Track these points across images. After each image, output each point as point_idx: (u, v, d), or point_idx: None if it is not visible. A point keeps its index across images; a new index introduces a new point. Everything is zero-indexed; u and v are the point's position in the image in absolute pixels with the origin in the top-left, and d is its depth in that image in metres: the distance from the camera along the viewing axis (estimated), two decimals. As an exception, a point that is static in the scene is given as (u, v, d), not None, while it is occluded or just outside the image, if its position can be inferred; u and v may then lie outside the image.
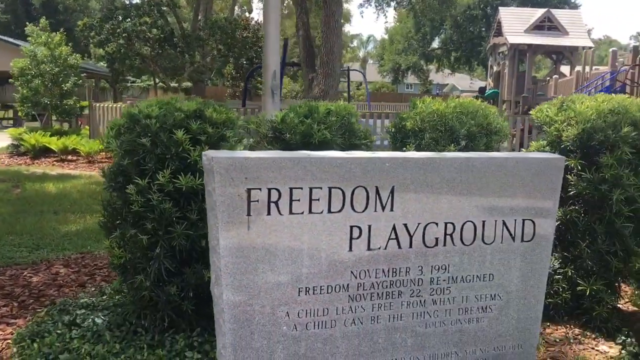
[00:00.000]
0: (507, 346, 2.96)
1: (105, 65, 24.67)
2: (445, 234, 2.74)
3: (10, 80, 14.69)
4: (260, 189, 2.39)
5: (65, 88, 14.10)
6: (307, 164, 2.46)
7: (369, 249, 2.61)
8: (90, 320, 3.36)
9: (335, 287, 2.58)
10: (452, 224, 2.74)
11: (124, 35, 21.94)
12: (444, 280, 2.77)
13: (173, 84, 28.02)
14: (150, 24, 23.12)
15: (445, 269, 2.77)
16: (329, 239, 2.53)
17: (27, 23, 16.14)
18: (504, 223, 2.83)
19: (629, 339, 3.42)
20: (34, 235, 5.92)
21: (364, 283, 2.63)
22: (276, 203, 2.42)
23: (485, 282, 2.85)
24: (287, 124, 3.43)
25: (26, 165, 12.11)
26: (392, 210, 2.62)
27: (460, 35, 45.17)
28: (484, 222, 2.79)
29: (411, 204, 2.64)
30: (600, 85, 18.20)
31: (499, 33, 26.33)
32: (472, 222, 2.77)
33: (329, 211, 2.51)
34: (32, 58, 13.85)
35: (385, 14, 69.43)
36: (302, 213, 2.47)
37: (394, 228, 2.64)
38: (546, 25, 24.86)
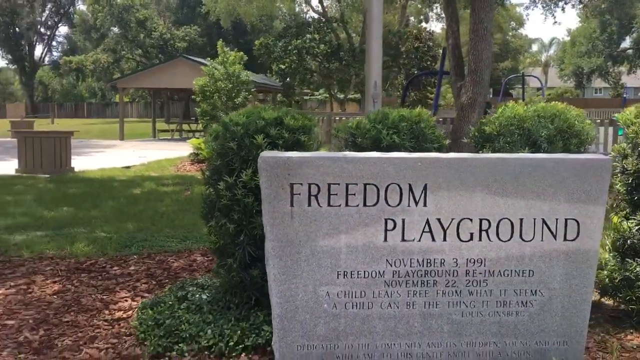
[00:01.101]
0: (550, 342, 3.04)
1: (278, 80, 26.67)
2: (481, 230, 2.93)
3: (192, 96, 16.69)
4: (301, 184, 2.82)
5: (237, 102, 15.69)
6: (343, 163, 2.84)
7: (403, 239, 2.90)
8: (197, 296, 4.02)
9: (371, 273, 2.91)
10: (488, 220, 2.92)
11: (294, 52, 23.64)
12: (480, 273, 2.96)
13: (344, 96, 29.25)
14: (319, 39, 24.55)
15: (482, 262, 2.95)
16: (365, 229, 2.88)
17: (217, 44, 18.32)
18: (543, 221, 2.94)
19: None
20: (186, 229, 6.90)
21: (399, 271, 2.92)
22: (316, 196, 2.84)
23: (525, 278, 2.98)
24: (360, 130, 3.81)
25: (201, 171, 13.73)
26: (425, 205, 2.89)
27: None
28: (521, 219, 2.93)
29: (444, 200, 2.89)
30: None
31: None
32: (508, 219, 2.93)
33: (364, 205, 2.86)
34: (211, 76, 15.63)
35: (553, 15, 64.92)
36: (340, 206, 2.85)
37: (427, 222, 2.90)
38: None
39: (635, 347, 3.56)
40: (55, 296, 4.47)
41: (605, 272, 3.96)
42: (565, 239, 2.96)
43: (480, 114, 11.68)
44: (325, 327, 2.93)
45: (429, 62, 26.82)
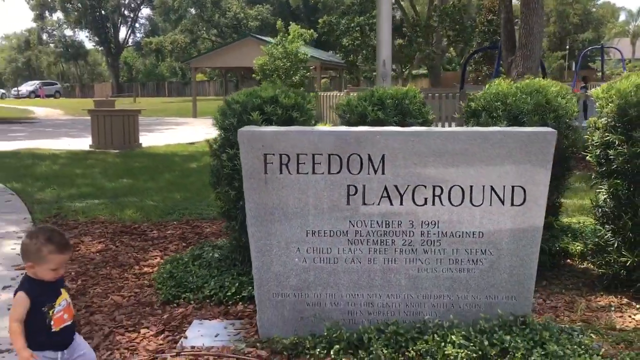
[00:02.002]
0: (499, 296, 3.37)
1: (341, 57, 26.94)
2: (434, 195, 3.28)
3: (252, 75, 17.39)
4: (274, 154, 3.27)
5: (295, 80, 16.22)
6: (311, 136, 3.26)
7: (364, 203, 3.30)
8: (210, 254, 4.58)
9: (336, 232, 3.33)
10: (440, 187, 3.27)
11: (357, 29, 23.83)
12: (434, 234, 3.32)
13: (407, 72, 29.19)
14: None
15: (435, 224, 3.31)
16: (330, 194, 3.29)
17: (291, 23, 18.91)
18: (492, 188, 3.25)
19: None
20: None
21: (360, 231, 3.33)
22: (287, 165, 3.27)
23: (475, 239, 3.31)
24: (349, 106, 4.20)
25: (209, 145, 14.39)
26: (383, 173, 3.27)
27: None
28: (471, 186, 3.26)
29: (401, 169, 3.25)
30: None
31: None
32: (459, 186, 3.26)
33: (329, 172, 3.27)
34: (270, 55, 16.23)
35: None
36: (307, 173, 3.28)
37: (385, 188, 3.28)
38: None
39: (599, 307, 3.81)
40: (97, 254, 5.17)
41: (585, 240, 4.19)
42: (512, 204, 3.26)
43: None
44: (297, 279, 3.39)
45: (492, 36, 26.25)
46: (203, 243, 5.10)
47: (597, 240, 4.01)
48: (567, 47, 47.35)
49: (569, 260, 4.68)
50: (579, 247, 4.47)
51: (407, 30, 25.65)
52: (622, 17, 73.75)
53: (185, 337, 3.47)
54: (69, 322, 2.64)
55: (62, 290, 2.64)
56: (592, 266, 4.36)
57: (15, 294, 2.55)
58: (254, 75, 17.45)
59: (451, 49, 38.42)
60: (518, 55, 12.05)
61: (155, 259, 5.02)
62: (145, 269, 4.73)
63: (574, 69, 29.34)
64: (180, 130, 19.78)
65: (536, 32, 11.84)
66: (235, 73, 39.87)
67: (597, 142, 3.87)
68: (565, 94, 4.19)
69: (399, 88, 4.28)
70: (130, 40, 68.49)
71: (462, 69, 19.97)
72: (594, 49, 36.82)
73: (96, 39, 64.73)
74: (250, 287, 3.92)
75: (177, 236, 5.74)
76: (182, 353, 3.29)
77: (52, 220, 6.34)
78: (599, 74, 32.42)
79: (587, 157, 3.98)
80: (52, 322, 2.55)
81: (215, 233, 5.87)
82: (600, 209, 4.03)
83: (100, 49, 68.78)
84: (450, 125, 14.41)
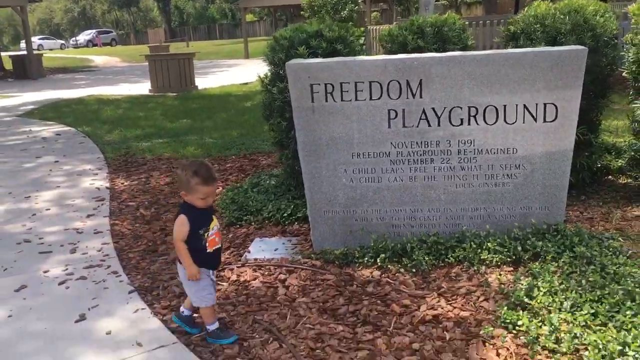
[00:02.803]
0: (533, 207, 3.63)
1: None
2: (469, 116, 3.52)
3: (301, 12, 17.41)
4: (319, 84, 3.56)
5: (343, 15, 16.18)
6: (352, 66, 3.53)
7: (404, 126, 3.58)
8: (267, 182, 4.99)
9: (379, 154, 3.64)
10: (475, 107, 3.50)
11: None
12: (470, 151, 3.57)
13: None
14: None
15: (471, 143, 3.56)
16: (372, 119, 3.58)
17: None
18: (525, 107, 3.46)
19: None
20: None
21: (401, 151, 3.62)
22: (331, 94, 3.57)
23: (509, 155, 3.55)
24: (390, 36, 4.41)
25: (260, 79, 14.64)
26: (421, 97, 3.52)
27: None
28: (505, 106, 3.47)
29: (437, 92, 3.50)
30: None
31: None
32: (494, 106, 3.48)
33: (371, 99, 3.55)
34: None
35: None
36: (351, 100, 3.57)
37: (423, 111, 3.54)
38: None
39: (634, 217, 4.01)
40: (165, 185, 5.67)
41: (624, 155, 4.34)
42: (545, 121, 3.46)
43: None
44: (345, 197, 3.74)
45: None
46: (260, 172, 5.51)
47: (633, 154, 4.16)
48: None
49: (610, 177, 4.84)
50: (619, 163, 4.61)
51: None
52: None
53: (249, 252, 3.92)
54: (219, 245, 2.90)
55: (213, 217, 2.89)
56: (631, 181, 4.52)
57: (176, 218, 2.85)
58: (302, 12, 17.48)
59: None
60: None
61: (218, 188, 5.46)
62: (210, 198, 5.19)
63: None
64: (233, 72, 20.17)
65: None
66: (284, 11, 39.63)
67: (632, 59, 3.96)
68: (604, 12, 4.25)
69: (438, 16, 4.44)
70: (179, -16, 68.53)
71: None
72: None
73: (146, -16, 65.15)
74: (304, 209, 4.29)
75: (236, 168, 6.18)
76: (247, 264, 3.73)
77: (123, 158, 6.89)
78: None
79: (624, 74, 4.08)
80: (207, 244, 2.81)
81: (271, 164, 6.27)
82: (637, 124, 4.16)
83: (150, -6, 69.31)
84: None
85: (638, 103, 4.03)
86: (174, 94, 13.46)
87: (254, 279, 3.53)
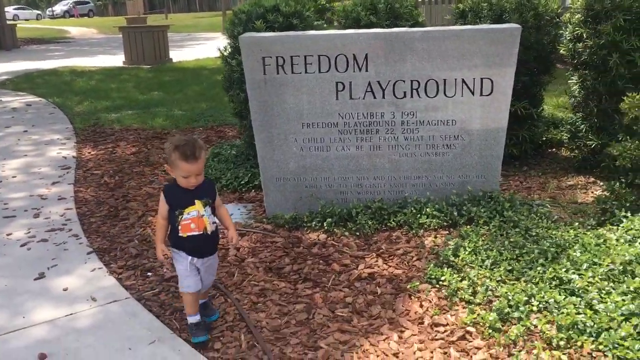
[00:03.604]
0: (470, 175, 3.87)
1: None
2: (412, 89, 3.73)
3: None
4: (271, 57, 3.74)
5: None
6: (302, 40, 3.71)
7: (351, 98, 3.78)
8: (227, 152, 5.18)
9: (327, 124, 3.84)
10: (417, 81, 3.71)
11: None
12: (413, 123, 3.79)
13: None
14: None
15: (414, 114, 3.78)
16: (321, 91, 3.78)
17: None
18: (463, 81, 3.68)
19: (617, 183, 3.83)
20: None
21: (348, 122, 3.83)
22: (282, 66, 3.75)
23: (449, 126, 3.78)
24: (344, 12, 4.59)
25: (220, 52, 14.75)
26: (367, 71, 3.71)
27: None
28: (445, 80, 3.69)
29: (382, 66, 3.70)
30: None
31: None
32: (434, 80, 3.70)
33: (320, 72, 3.74)
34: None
35: None
36: (301, 73, 3.75)
37: (369, 84, 3.74)
38: None
39: (568, 186, 4.28)
40: (131, 155, 5.83)
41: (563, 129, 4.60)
42: (482, 94, 3.69)
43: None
44: (295, 165, 3.95)
45: None
46: (223, 143, 5.69)
47: (569, 127, 4.42)
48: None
49: (554, 150, 5.11)
50: (560, 136, 4.88)
51: None
52: None
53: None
54: (196, 233, 2.66)
55: (197, 202, 2.66)
56: (570, 153, 4.79)
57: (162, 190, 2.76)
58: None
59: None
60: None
61: (182, 158, 5.63)
62: (173, 167, 5.37)
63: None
64: (210, 45, 20.10)
65: None
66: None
67: (569, 37, 4.20)
68: (546, -8, 4.46)
69: (390, -7, 4.62)
70: (158, -46, 67.29)
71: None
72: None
73: (124, -46, 63.88)
74: (260, 177, 4.50)
75: (202, 140, 6.34)
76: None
77: (91, 129, 7.02)
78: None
79: (561, 51, 4.32)
80: (179, 227, 2.65)
81: (236, 136, 6.44)
82: (573, 99, 4.41)
83: (129, -36, 67.98)
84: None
85: (574, 79, 4.27)
86: (148, 66, 13.48)
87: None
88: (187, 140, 2.64)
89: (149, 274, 3.38)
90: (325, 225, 3.76)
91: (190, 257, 2.70)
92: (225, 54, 4.78)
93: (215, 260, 2.85)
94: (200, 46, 19.80)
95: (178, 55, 15.59)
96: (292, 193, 4.01)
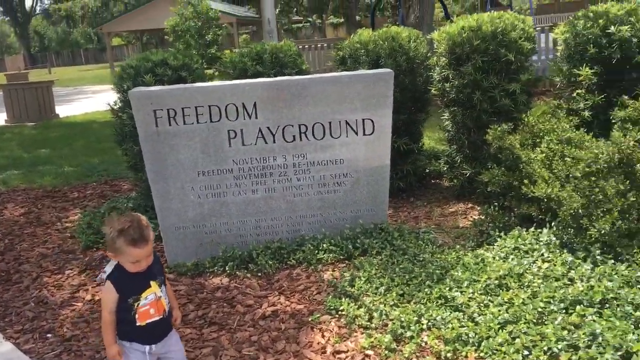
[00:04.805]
0: (362, 209, 4.13)
1: (255, 12, 27.04)
2: (300, 132, 3.96)
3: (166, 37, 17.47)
4: (162, 109, 3.84)
5: (208, 39, 16.42)
6: (192, 92, 3.85)
7: (243, 144, 3.94)
8: (124, 205, 5.16)
9: (222, 171, 3.98)
10: (305, 125, 3.95)
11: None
12: (304, 164, 4.01)
13: (320, 22, 29.70)
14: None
15: (304, 156, 4.00)
16: (214, 139, 3.92)
17: None
18: (347, 123, 3.96)
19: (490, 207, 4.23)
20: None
21: (243, 167, 3.98)
22: (174, 118, 3.86)
23: (338, 165, 4.03)
24: (232, 63, 4.79)
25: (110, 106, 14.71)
26: (256, 118, 3.91)
27: None
28: (330, 122, 3.95)
29: (270, 113, 3.90)
30: None
31: None
32: (321, 123, 3.95)
33: (211, 121, 3.89)
34: (181, 16, 16.31)
35: None
36: (193, 123, 3.88)
37: (260, 130, 3.93)
38: None
39: (450, 213, 4.65)
40: (21, 217, 5.63)
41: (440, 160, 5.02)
42: (364, 134, 3.98)
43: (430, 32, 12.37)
44: (194, 213, 4.04)
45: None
46: (118, 197, 5.65)
47: (446, 158, 4.84)
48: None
49: (436, 180, 5.52)
50: (440, 167, 5.29)
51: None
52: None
53: (104, 272, 4.08)
54: (156, 318, 2.43)
55: (153, 283, 2.44)
56: (449, 181, 5.21)
57: (104, 280, 2.48)
58: (166, 37, 17.51)
59: (366, -5, 39.02)
60: (414, 0, 12.80)
61: (76, 215, 5.53)
62: (67, 225, 5.26)
63: (487, 6, 30.57)
64: (98, 98, 19.61)
65: (429, -23, 12.58)
66: (153, 35, 39.10)
67: (438, 78, 4.64)
68: (416, 38, 4.91)
69: (275, 43, 4.89)
70: (38, 8, 65.33)
71: (370, 15, 20.64)
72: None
73: (1, 8, 61.35)
74: (159, 228, 4.52)
75: (96, 195, 6.25)
76: (102, 284, 3.90)
77: (-26, 192, 6.69)
78: (509, 10, 33.88)
79: (433, 90, 4.76)
80: (136, 316, 2.39)
81: (132, 188, 6.38)
82: (447, 133, 4.84)
83: (6, 19, 65.27)
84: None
85: (445, 115, 4.71)
86: (33, 123, 12.98)
87: (109, 296, 3.71)
88: (130, 221, 2.37)
89: (49, 335, 3.31)
90: (227, 269, 3.85)
91: (147, 347, 2.44)
92: (115, 108, 4.81)
93: (174, 334, 2.62)
94: (88, 100, 19.28)
95: (65, 110, 15.13)
96: (193, 240, 4.08)
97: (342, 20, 39.22)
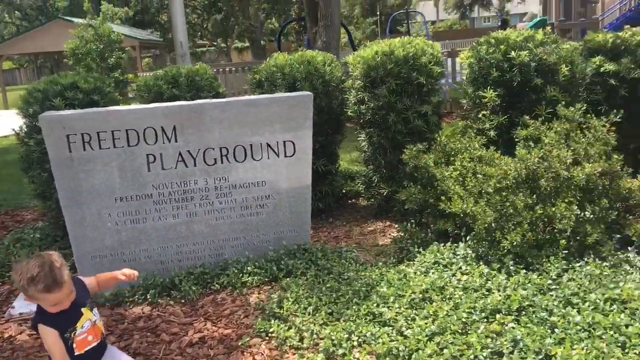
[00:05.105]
0: (285, 231, 4.15)
1: (159, 35, 26.68)
2: (221, 155, 3.93)
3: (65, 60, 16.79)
4: (75, 134, 3.69)
5: (111, 63, 15.96)
6: (106, 116, 3.73)
7: (163, 169, 3.86)
8: (31, 235, 4.88)
9: (141, 196, 3.86)
10: (226, 147, 3.93)
11: (167, 2, 23.59)
12: (226, 187, 3.98)
13: (226, 46, 29.77)
14: (195, -9, 24.92)
15: (226, 179, 3.97)
16: (131, 163, 3.81)
17: (103, 2, 18.48)
18: (268, 145, 3.98)
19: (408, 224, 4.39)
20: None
21: (163, 192, 3.89)
22: (89, 143, 3.72)
23: (260, 187, 4.04)
24: (146, 86, 4.70)
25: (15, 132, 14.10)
26: (176, 141, 3.84)
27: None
28: (251, 144, 3.96)
29: (191, 136, 3.85)
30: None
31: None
32: (242, 145, 3.94)
33: (129, 145, 3.78)
34: (81, 38, 15.75)
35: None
36: (109, 148, 3.75)
37: (180, 154, 3.86)
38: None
39: (369, 231, 4.77)
40: None
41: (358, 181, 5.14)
42: (286, 156, 4.02)
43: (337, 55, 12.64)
44: (111, 240, 3.89)
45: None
46: (24, 227, 5.33)
47: (363, 178, 4.97)
48: (378, 12, 50.62)
49: (354, 200, 5.65)
50: (357, 187, 5.43)
51: (223, 5, 26.03)
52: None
53: (13, 307, 3.83)
54: (94, 344, 2.42)
55: (84, 310, 2.40)
56: (366, 201, 5.35)
57: (34, 327, 2.38)
58: (65, 60, 16.83)
59: (274, 20, 39.50)
60: (320, 25, 13.07)
61: (-25, 249, 5.15)
62: (-34, 259, 4.88)
63: (386, 33, 31.85)
64: (-9, 124, 18.48)
65: (334, 4, 12.92)
66: (48, 58, 37.37)
67: (353, 100, 4.78)
68: (331, 62, 5.04)
69: (191, 67, 4.85)
70: None
71: (277, 41, 20.90)
72: (400, 13, 39.85)
73: None
74: (72, 258, 4.31)
75: (-4, 226, 5.86)
76: (11, 319, 3.66)
77: None
78: (406, 36, 35.42)
79: (349, 112, 4.89)
80: (74, 345, 2.34)
81: (37, 219, 6.04)
82: (364, 154, 4.98)
83: None
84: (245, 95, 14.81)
85: (362, 137, 4.85)
86: None
87: (20, 333, 3.49)
88: (39, 265, 2.23)
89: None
90: (148, 297, 3.73)
91: None
92: (21, 134, 4.56)
93: (109, 350, 2.57)
94: (-21, 126, 18.07)
95: (-47, 137, 14.10)
96: (110, 269, 3.88)
97: (247, 44, 39.42)
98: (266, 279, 3.85)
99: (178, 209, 3.95)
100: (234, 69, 14.39)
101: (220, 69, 14.52)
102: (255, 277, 3.83)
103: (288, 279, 3.77)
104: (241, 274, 3.87)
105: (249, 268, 3.89)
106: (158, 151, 3.83)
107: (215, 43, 34.81)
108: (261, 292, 3.73)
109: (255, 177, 4.02)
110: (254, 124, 3.92)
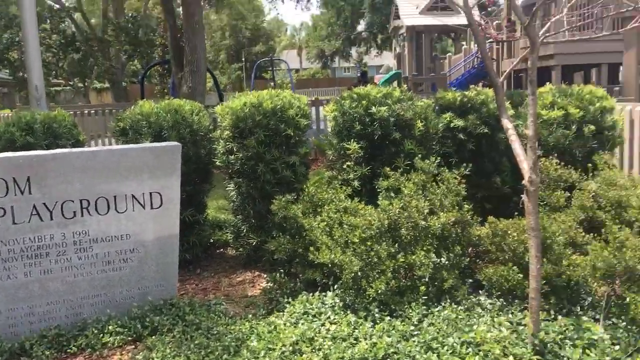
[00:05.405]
0: (150, 285, 3.99)
1: (9, 73, 24.92)
2: (82, 208, 3.72)
3: None
4: None
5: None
6: (-51, 165, 3.40)
7: (14, 223, 3.57)
8: None
9: (-12, 253, 3.53)
10: (87, 200, 3.72)
11: (22, 43, 22.20)
12: (86, 241, 3.76)
13: (83, 86, 28.55)
14: (51, 30, 23.61)
15: (86, 233, 3.76)
16: (-23, 218, 3.48)
17: None
18: (133, 196, 3.84)
19: (278, 274, 4.42)
20: None
21: (13, 248, 3.59)
22: None
23: (124, 241, 3.86)
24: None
25: None
26: (30, 194, 3.58)
27: (380, 17, 46.51)
28: (115, 196, 3.79)
29: (48, 188, 3.61)
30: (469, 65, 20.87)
31: (397, 17, 27.54)
32: (105, 197, 3.76)
33: (-26, 198, 3.46)
34: None
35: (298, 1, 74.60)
36: (-49, 201, 3.41)
37: (34, 207, 3.60)
38: (439, 5, 26.20)
39: (238, 282, 4.72)
40: None
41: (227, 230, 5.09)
42: (152, 207, 3.89)
43: (203, 102, 12.57)
44: (-49, 303, 3.50)
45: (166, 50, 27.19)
46: None
47: (232, 228, 4.94)
48: (243, 59, 51.38)
49: (222, 250, 5.57)
50: (226, 237, 5.37)
51: (81, 45, 24.92)
52: (289, 31, 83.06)
53: None
54: None
55: None
56: (235, 251, 5.31)
57: None
58: None
59: (136, 61, 38.45)
60: (186, 71, 12.99)
61: None
62: None
63: (252, 80, 32.30)
64: None
65: (200, 50, 12.92)
66: None
67: (222, 150, 4.78)
68: (199, 112, 5.01)
69: (48, 113, 4.58)
70: None
71: (140, 83, 20.42)
72: (265, 60, 40.74)
73: None
74: None
75: None
76: None
77: None
78: (272, 83, 36.25)
79: (217, 162, 4.87)
80: None
81: None
82: (232, 203, 4.96)
83: None
84: (111, 141, 14.28)
85: (231, 186, 4.84)
86: None
87: None
88: None
89: None
90: (-6, 365, 3.38)
91: None
92: None
93: None
94: None
95: None
96: (-52, 336, 3.51)
97: (107, 85, 37.94)
98: (129, 339, 3.65)
99: (31, 266, 3.65)
100: (92, 111, 13.78)
101: (78, 111, 13.87)
102: (118, 337, 3.61)
103: (154, 337, 3.60)
104: (102, 334, 3.64)
105: (110, 327, 3.67)
106: (9, 204, 3.54)
107: (71, 82, 33.17)
108: (124, 352, 3.52)
109: (119, 230, 3.84)
110: (120, 174, 3.77)
